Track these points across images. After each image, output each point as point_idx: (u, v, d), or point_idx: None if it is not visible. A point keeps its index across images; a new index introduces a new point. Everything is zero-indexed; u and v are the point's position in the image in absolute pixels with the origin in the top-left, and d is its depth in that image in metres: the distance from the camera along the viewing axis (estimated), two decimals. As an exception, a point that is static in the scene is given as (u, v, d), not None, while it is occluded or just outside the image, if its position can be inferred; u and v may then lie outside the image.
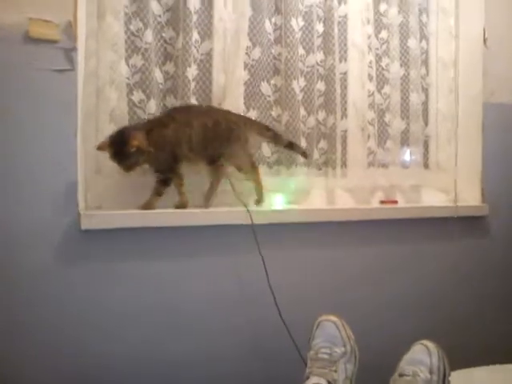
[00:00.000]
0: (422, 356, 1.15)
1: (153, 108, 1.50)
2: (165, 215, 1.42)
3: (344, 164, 1.79)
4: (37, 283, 1.29)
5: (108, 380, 1.37)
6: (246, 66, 1.63)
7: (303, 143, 1.70)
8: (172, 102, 1.55)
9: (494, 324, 1.89)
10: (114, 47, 1.40)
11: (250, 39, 1.63)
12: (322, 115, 1.77)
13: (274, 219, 1.55)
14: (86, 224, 1.30)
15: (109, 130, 1.40)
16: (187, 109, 1.48)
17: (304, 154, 1.65)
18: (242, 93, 1.62)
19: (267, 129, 1.58)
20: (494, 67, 1.89)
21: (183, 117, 1.42)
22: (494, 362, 1.41)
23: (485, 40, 1.87)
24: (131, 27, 1.48)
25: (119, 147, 1.30)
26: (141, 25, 1.48)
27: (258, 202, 1.57)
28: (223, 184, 1.52)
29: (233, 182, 1.50)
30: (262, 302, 1.48)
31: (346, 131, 1.79)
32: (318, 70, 1.74)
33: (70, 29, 1.30)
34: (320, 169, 1.78)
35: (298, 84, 1.67)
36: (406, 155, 1.92)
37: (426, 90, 1.97)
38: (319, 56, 1.75)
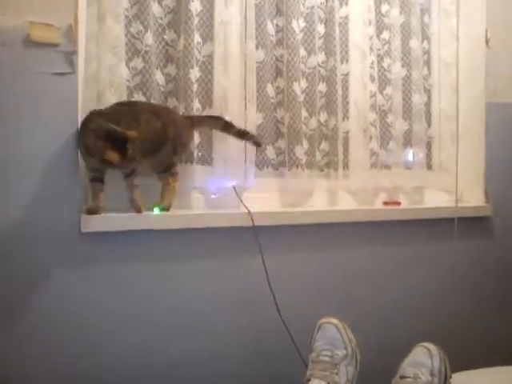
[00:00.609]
0: (423, 358, 1.15)
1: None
2: (165, 217, 1.42)
3: (346, 165, 1.79)
4: (36, 285, 1.29)
5: (108, 381, 1.37)
6: (247, 68, 1.62)
7: (305, 145, 1.69)
8: (174, 104, 1.55)
9: (497, 325, 1.88)
10: (114, 50, 1.40)
11: (253, 41, 1.62)
12: (323, 116, 1.76)
13: (276, 221, 1.55)
14: (86, 226, 1.31)
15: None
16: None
17: (257, 143, 1.60)
18: (244, 95, 1.62)
19: (218, 118, 1.54)
20: (496, 67, 1.89)
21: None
22: (495, 364, 1.41)
23: (487, 40, 1.87)
24: (131, 30, 1.48)
25: (121, 146, 1.23)
26: (141, 27, 1.48)
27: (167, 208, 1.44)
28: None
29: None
30: (264, 303, 1.48)
31: (347, 132, 1.78)
32: (319, 72, 1.74)
33: (71, 32, 1.30)
34: (322, 170, 1.78)
35: (300, 85, 1.67)
36: (409, 156, 1.91)
37: (428, 91, 1.96)
38: (321, 57, 1.75)
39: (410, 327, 1.69)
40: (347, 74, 1.78)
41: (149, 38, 1.48)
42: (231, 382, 1.50)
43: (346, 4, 1.77)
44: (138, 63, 1.49)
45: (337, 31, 1.74)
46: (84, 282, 1.34)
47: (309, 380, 1.13)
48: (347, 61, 1.78)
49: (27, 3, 1.26)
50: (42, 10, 1.27)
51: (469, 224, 1.83)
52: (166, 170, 1.43)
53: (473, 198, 1.92)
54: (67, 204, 1.31)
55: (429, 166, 1.97)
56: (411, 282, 1.76)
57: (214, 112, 1.55)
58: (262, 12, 1.65)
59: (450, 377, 1.14)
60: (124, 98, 1.43)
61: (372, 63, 1.78)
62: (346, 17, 1.77)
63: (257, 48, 1.64)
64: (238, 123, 1.56)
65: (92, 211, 1.32)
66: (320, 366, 1.15)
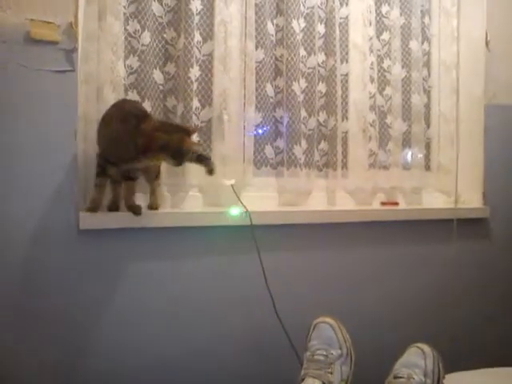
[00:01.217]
0: (416, 359, 1.15)
1: (148, 109, 1.49)
2: (163, 216, 1.42)
3: (345, 165, 1.79)
4: (34, 283, 1.30)
5: (106, 380, 1.38)
6: (248, 67, 1.62)
7: (304, 144, 1.70)
8: (173, 102, 1.55)
9: (494, 326, 1.89)
10: (113, 48, 1.41)
11: (253, 41, 1.63)
12: (322, 116, 1.77)
13: (273, 220, 1.55)
14: (84, 224, 1.31)
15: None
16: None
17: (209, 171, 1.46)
18: (243, 94, 1.62)
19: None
20: (495, 69, 1.89)
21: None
22: (493, 365, 1.41)
23: (487, 42, 1.87)
24: (128, 28, 1.48)
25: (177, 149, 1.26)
26: (138, 26, 1.48)
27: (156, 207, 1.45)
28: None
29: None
30: (261, 302, 1.48)
31: (346, 133, 1.79)
32: (319, 72, 1.74)
33: (71, 30, 1.31)
34: (321, 170, 1.78)
35: (299, 85, 1.68)
36: (408, 157, 1.91)
37: (427, 92, 1.96)
38: (320, 57, 1.75)
39: (405, 327, 1.70)
40: (347, 75, 1.78)
41: (146, 36, 1.48)
42: (228, 381, 1.51)
43: (347, 4, 1.77)
44: (133, 62, 1.49)
45: (337, 31, 1.74)
46: (81, 279, 1.35)
47: (303, 379, 1.13)
48: (347, 61, 1.78)
49: (27, 1, 1.27)
50: (42, 8, 1.28)
51: (466, 225, 1.83)
52: (158, 175, 1.43)
53: (471, 200, 1.92)
54: (65, 201, 1.31)
55: (427, 167, 1.98)
56: (409, 281, 1.77)
57: (214, 111, 1.56)
58: (262, 11, 1.65)
59: (443, 377, 1.15)
60: (122, 97, 1.43)
61: (372, 64, 1.79)
62: (346, 17, 1.78)
63: (257, 47, 1.64)
64: (237, 122, 1.57)
65: (93, 208, 1.33)
66: (315, 365, 1.15)
